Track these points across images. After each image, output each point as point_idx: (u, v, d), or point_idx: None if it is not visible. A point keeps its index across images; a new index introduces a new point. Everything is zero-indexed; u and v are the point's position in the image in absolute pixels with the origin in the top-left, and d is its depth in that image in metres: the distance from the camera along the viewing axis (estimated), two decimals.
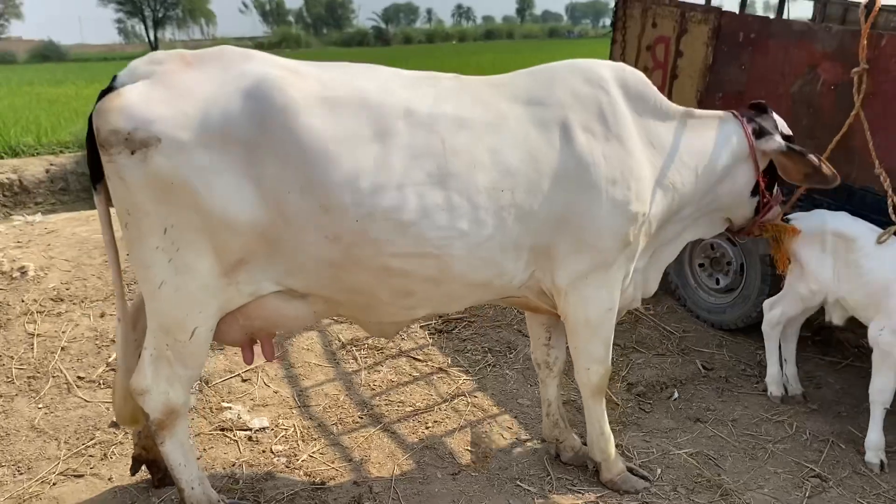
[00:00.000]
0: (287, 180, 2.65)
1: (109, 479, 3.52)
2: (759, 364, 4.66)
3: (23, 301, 4.81)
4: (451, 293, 3.03)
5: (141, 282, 2.83)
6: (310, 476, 3.59)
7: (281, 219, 2.70)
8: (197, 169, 2.59)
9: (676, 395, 4.38)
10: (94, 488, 3.48)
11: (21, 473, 3.56)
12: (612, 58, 5.57)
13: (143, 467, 3.40)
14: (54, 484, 3.50)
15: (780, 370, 4.32)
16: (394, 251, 2.78)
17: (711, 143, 3.28)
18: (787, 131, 3.45)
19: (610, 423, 4.05)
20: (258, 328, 3.07)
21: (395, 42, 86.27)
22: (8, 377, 4.23)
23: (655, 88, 3.22)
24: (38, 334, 4.56)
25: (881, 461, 3.71)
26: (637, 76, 3.20)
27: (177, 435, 3.05)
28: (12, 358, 4.37)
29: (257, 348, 3.24)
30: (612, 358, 4.67)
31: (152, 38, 72.23)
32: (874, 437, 3.73)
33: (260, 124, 2.62)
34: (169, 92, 2.62)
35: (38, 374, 4.28)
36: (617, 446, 3.84)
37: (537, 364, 3.73)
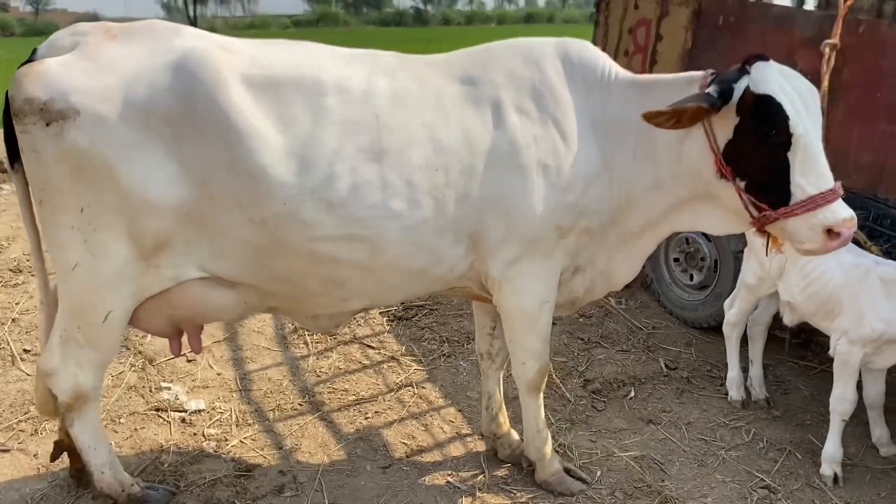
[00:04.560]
0: (212, 159, 2.55)
1: (35, 456, 3.46)
2: (726, 366, 4.43)
3: None
4: (385, 282, 2.89)
5: (54, 262, 2.73)
6: (236, 462, 3.50)
7: (206, 200, 2.59)
8: (117, 145, 2.49)
9: (633, 394, 4.20)
10: (18, 464, 3.43)
11: None
12: (594, 40, 5.35)
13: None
14: None
15: (740, 373, 4.12)
16: (323, 234, 2.65)
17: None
18: (761, 89, 2.52)
19: (558, 420, 3.94)
20: (184, 318, 2.95)
21: (433, 23, 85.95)
22: None
23: (607, 60, 2.96)
24: None
25: (835, 474, 3.50)
26: (582, 48, 2.97)
27: (87, 418, 2.97)
28: None
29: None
30: (573, 352, 4.58)
31: (192, 13, 72.53)
32: (831, 448, 3.53)
33: (186, 100, 2.51)
34: (91, 64, 2.52)
35: None
36: (560, 445, 3.71)
37: (480, 354, 3.60)
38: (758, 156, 2.61)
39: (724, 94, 2.58)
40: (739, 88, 2.59)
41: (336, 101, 2.65)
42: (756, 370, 4.13)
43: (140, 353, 4.30)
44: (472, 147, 2.75)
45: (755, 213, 2.68)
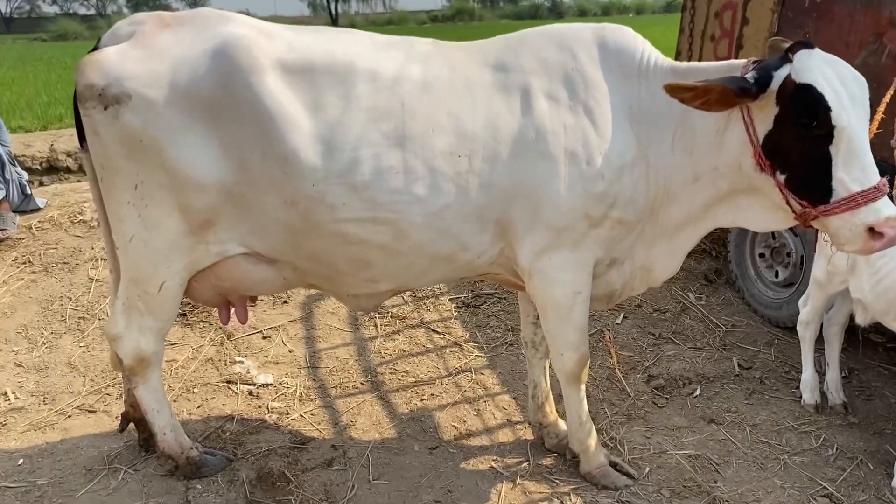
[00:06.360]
0: (249, 142, 2.70)
1: (117, 418, 3.76)
2: None
3: (93, 248, 5.23)
4: (412, 265, 2.96)
5: (114, 234, 2.98)
6: (293, 434, 3.68)
7: (245, 180, 2.75)
8: (165, 127, 2.69)
9: (698, 392, 4.05)
10: (101, 424, 3.76)
11: (45, 404, 3.91)
12: (681, 26, 5.17)
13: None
14: (69, 416, 3.81)
15: (815, 375, 3.88)
16: (348, 216, 2.76)
17: None
18: (803, 78, 2.38)
19: (615, 414, 3.88)
20: (229, 289, 3.15)
21: (569, 15, 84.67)
22: (62, 316, 4.63)
23: (646, 46, 2.87)
24: (97, 279, 4.96)
25: None
26: (620, 34, 2.90)
27: (150, 382, 3.20)
28: (70, 299, 4.78)
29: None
30: (641, 347, 4.47)
31: (334, 11, 75.14)
32: None
33: (225, 84, 2.67)
34: (143, 51, 2.72)
35: (88, 316, 4.65)
36: (611, 439, 3.65)
37: (524, 343, 3.59)
38: (798, 149, 2.48)
39: (761, 82, 2.46)
40: (779, 77, 2.46)
41: (366, 87, 2.73)
42: (833, 373, 3.88)
43: (220, 328, 4.58)
44: (498, 134, 2.76)
45: (797, 209, 2.55)
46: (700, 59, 4.96)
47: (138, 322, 3.07)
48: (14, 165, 5.59)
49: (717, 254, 5.45)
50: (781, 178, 2.54)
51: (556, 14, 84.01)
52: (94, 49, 2.79)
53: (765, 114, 2.53)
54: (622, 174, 2.81)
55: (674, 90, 2.46)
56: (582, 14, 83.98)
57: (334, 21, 67.00)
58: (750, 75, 2.50)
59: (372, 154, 2.69)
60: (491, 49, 2.96)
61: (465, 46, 3.01)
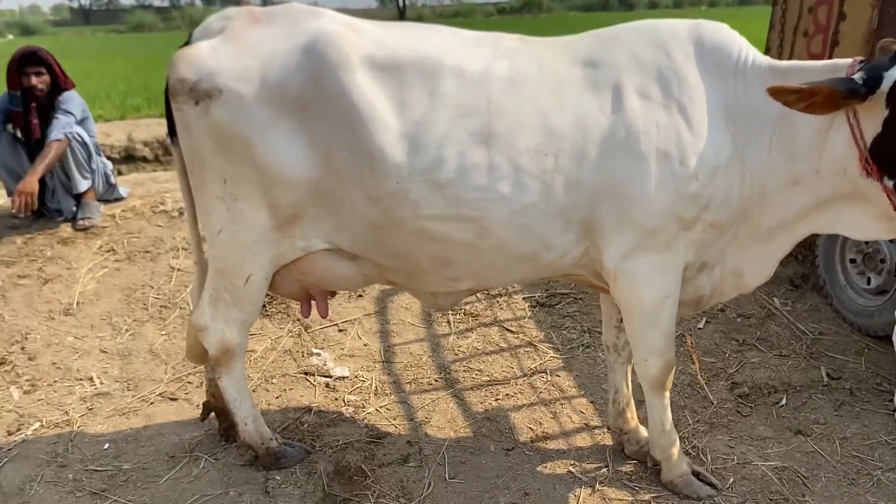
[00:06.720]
0: (337, 138, 2.70)
1: (197, 406, 3.84)
2: None
3: (174, 238, 5.35)
4: (493, 264, 2.92)
5: (203, 227, 3.04)
6: (369, 428, 3.69)
7: (331, 176, 2.76)
8: (255, 122, 2.71)
9: (784, 401, 3.90)
10: (182, 412, 3.84)
11: (129, 390, 4.02)
12: (771, 21, 4.98)
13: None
14: (152, 403, 3.90)
15: None
16: (432, 213, 2.74)
17: None
18: None
19: (697, 422, 3.77)
20: (311, 284, 3.17)
21: (639, 7, 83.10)
22: (145, 305, 4.75)
23: (744, 44, 2.77)
24: (178, 268, 5.06)
25: None
26: (716, 31, 2.80)
27: (233, 372, 3.25)
28: (153, 287, 4.90)
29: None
30: (724, 353, 4.34)
31: (402, 3, 75.43)
32: None
33: (314, 80, 2.68)
34: (235, 47, 2.75)
35: (169, 305, 4.76)
36: (693, 448, 3.55)
37: (606, 347, 3.51)
38: None
39: (870, 83, 2.34)
40: (890, 78, 2.34)
41: (452, 84, 2.69)
42: None
43: (298, 320, 4.62)
44: (586, 132, 2.69)
45: None
46: (791, 56, 4.78)
47: (224, 313, 3.11)
48: (99, 155, 5.75)
49: (803, 258, 5.25)
50: (890, 183, 2.43)
51: (627, 6, 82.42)
52: (186, 44, 2.83)
53: (873, 116, 2.41)
54: (716, 175, 2.71)
55: (778, 92, 2.36)
56: (653, 7, 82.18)
57: (402, 13, 67.30)
58: (858, 76, 2.38)
59: (457, 151, 2.66)
60: (581, 45, 2.89)
61: (555, 42, 2.94)
